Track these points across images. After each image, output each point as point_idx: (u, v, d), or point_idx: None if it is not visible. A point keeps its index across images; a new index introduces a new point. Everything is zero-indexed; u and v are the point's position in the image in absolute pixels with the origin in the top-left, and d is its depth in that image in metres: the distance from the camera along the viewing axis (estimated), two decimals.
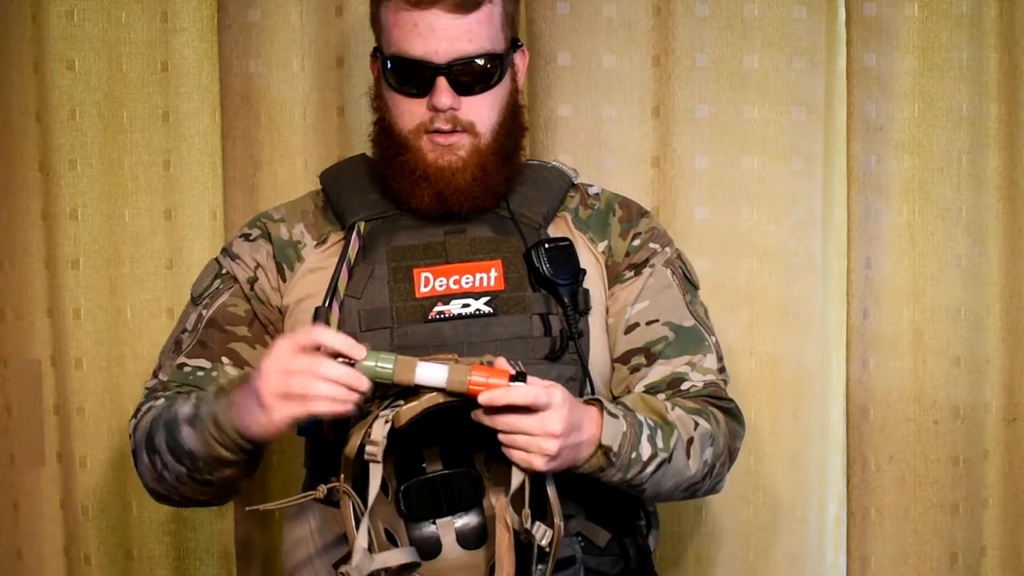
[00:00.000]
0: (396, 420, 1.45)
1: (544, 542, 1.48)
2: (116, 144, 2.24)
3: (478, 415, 1.47)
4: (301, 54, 2.21)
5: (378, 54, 1.71)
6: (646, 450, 1.56)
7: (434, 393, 1.45)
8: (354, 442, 1.47)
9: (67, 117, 2.23)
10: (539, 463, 1.47)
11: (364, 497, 1.48)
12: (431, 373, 1.44)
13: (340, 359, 1.44)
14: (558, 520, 1.49)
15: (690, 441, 1.61)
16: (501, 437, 1.47)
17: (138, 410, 1.70)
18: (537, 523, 1.49)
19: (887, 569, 2.28)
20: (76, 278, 2.25)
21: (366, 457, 1.46)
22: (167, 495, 1.67)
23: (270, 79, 2.21)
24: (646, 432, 1.57)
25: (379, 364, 1.43)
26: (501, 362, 1.47)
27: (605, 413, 1.54)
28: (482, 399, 1.44)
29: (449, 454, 1.60)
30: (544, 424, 1.45)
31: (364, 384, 1.44)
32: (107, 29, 2.23)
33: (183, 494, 1.65)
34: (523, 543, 1.50)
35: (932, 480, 2.27)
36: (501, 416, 1.46)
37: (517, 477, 1.48)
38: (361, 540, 1.46)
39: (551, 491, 1.50)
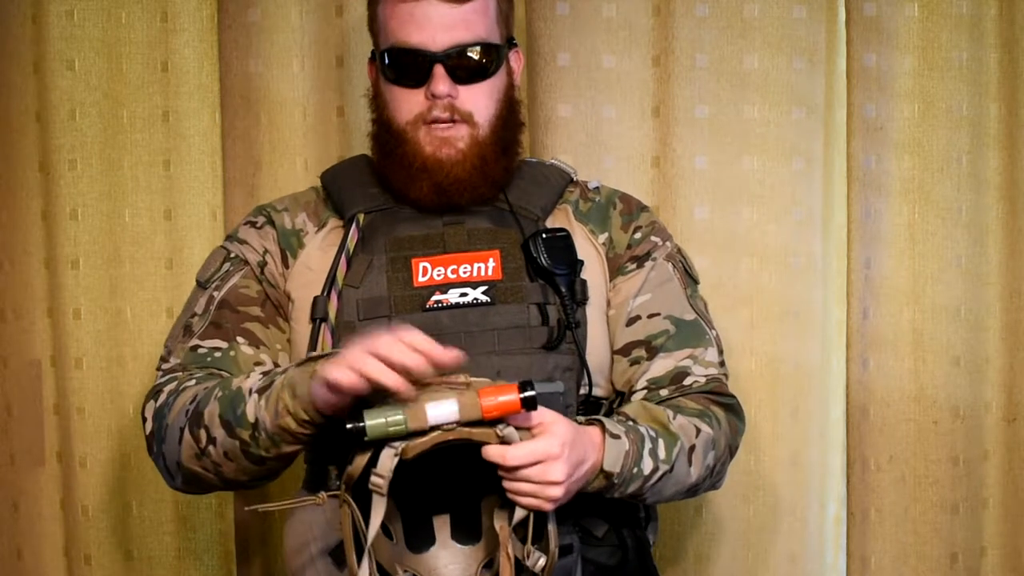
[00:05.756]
0: (404, 453, 1.43)
1: (539, 567, 1.50)
2: (116, 144, 2.24)
3: (489, 453, 1.46)
4: (301, 54, 2.22)
5: (375, 56, 1.73)
6: (648, 465, 1.57)
7: (440, 432, 1.43)
8: (359, 463, 1.45)
9: (67, 117, 2.23)
10: (547, 507, 1.48)
11: (364, 513, 1.46)
12: (442, 411, 1.43)
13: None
14: (553, 547, 1.50)
15: (692, 449, 1.62)
16: (507, 485, 1.47)
17: (156, 391, 1.66)
18: (533, 549, 1.50)
19: (887, 569, 2.27)
20: (76, 278, 2.25)
21: (370, 487, 1.44)
22: (200, 475, 1.61)
23: (270, 79, 2.21)
24: (648, 446, 1.57)
25: (389, 419, 1.42)
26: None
27: (607, 436, 1.54)
28: (490, 459, 1.44)
29: (459, 525, 1.59)
30: (548, 474, 1.45)
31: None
32: (107, 29, 2.23)
33: (223, 473, 1.59)
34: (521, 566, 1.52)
35: (932, 480, 2.27)
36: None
37: (520, 512, 1.49)
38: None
39: (551, 525, 1.50)
